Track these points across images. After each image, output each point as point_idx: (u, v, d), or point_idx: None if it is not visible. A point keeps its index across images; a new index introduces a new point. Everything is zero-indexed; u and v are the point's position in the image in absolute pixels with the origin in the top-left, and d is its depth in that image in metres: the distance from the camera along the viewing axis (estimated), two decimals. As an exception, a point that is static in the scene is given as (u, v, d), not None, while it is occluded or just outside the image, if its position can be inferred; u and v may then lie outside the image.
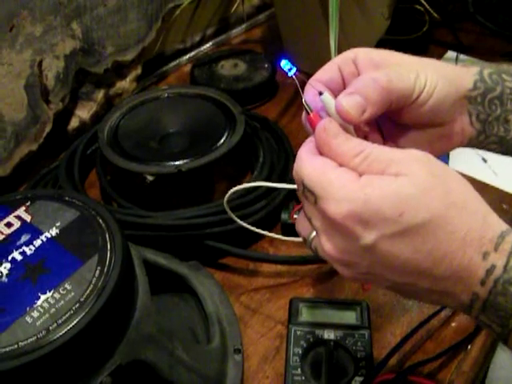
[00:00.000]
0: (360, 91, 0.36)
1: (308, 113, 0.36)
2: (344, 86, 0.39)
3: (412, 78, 0.37)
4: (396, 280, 0.33)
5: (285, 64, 0.38)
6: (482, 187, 0.69)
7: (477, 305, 0.32)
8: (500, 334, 0.32)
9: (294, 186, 0.36)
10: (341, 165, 0.33)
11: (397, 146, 0.41)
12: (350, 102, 0.35)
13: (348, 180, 0.32)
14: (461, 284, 0.32)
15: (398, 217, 0.31)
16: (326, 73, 0.40)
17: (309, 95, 0.37)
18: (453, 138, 0.42)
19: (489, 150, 0.44)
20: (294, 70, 0.38)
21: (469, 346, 0.52)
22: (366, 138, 0.38)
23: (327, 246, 0.34)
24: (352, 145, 0.33)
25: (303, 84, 0.38)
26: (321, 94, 0.36)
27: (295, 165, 0.35)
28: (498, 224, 0.32)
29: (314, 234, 0.35)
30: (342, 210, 0.31)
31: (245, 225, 0.53)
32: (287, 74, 0.38)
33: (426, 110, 0.38)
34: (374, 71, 0.37)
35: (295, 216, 0.62)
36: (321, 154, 0.35)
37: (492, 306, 0.31)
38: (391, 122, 0.41)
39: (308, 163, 0.34)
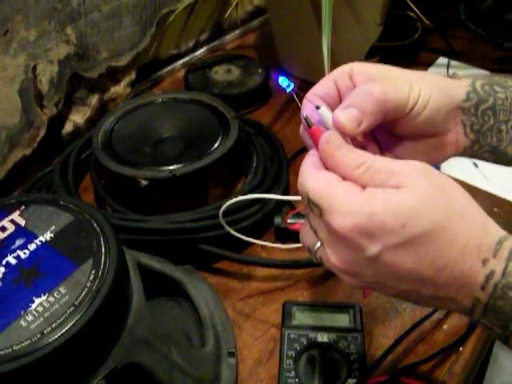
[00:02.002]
0: (356, 104, 0.37)
1: (309, 126, 0.37)
2: (340, 100, 0.40)
3: (406, 90, 0.38)
4: (400, 288, 0.34)
5: (282, 80, 0.39)
6: (473, 191, 0.69)
7: (478, 309, 0.33)
8: (501, 336, 0.33)
9: (290, 198, 0.37)
10: (344, 176, 0.34)
11: (394, 156, 0.43)
12: (346, 116, 0.36)
13: (352, 193, 0.33)
14: (462, 290, 0.33)
15: (401, 228, 0.32)
16: (322, 87, 0.40)
17: (306, 109, 0.38)
18: (447, 148, 0.43)
19: (481, 159, 0.45)
20: (292, 85, 0.39)
21: (460, 348, 0.53)
22: (363, 148, 0.39)
23: (333, 257, 0.35)
24: (355, 156, 0.35)
25: (300, 98, 0.39)
26: (318, 108, 0.37)
27: (300, 178, 0.36)
28: (495, 231, 0.33)
29: (319, 244, 0.36)
30: (347, 223, 0.32)
31: (237, 235, 0.54)
32: (285, 90, 0.39)
33: (421, 121, 0.39)
34: (369, 84, 0.38)
35: (289, 221, 0.62)
36: (324, 165, 0.36)
37: (492, 310, 0.32)
38: (388, 133, 0.42)
39: (312, 178, 0.35)
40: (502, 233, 0.33)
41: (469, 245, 0.32)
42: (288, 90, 0.39)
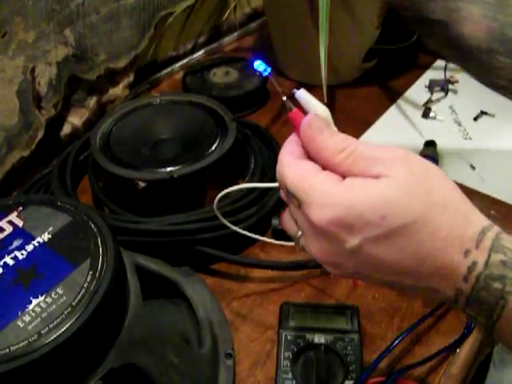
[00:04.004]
0: None
1: (290, 110, 0.36)
2: None
3: None
4: (382, 278, 0.34)
5: (258, 64, 0.38)
6: (470, 193, 0.69)
7: (461, 299, 0.33)
8: (485, 325, 0.33)
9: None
10: (326, 161, 0.34)
11: None
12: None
13: (331, 184, 0.33)
14: (444, 281, 0.32)
15: (380, 220, 0.31)
16: None
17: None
18: None
19: None
20: (269, 69, 0.38)
21: (457, 350, 0.53)
22: None
23: (314, 248, 0.35)
24: (337, 140, 0.34)
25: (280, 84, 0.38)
26: (297, 90, 0.36)
27: (278, 167, 0.36)
28: (479, 220, 0.33)
29: (300, 233, 0.36)
30: (326, 215, 0.32)
31: (235, 228, 0.54)
32: (262, 74, 0.38)
33: None
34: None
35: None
36: (306, 150, 0.35)
37: (476, 300, 0.32)
38: None
39: (290, 168, 0.35)
40: (485, 222, 0.33)
41: (450, 236, 0.32)
42: (265, 74, 0.38)
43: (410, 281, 0.33)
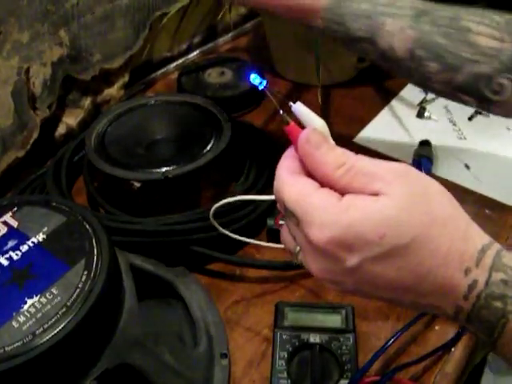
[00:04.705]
0: None
1: (287, 123, 0.36)
2: None
3: None
4: (383, 296, 0.34)
5: (254, 78, 0.37)
6: (465, 193, 0.70)
7: (462, 317, 0.33)
8: (487, 342, 0.33)
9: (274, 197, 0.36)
10: (324, 177, 0.33)
11: None
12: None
13: (329, 203, 0.32)
14: (444, 298, 0.32)
15: (380, 239, 0.31)
16: None
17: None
18: None
19: None
20: (265, 83, 0.37)
21: (452, 349, 0.53)
22: None
23: (313, 266, 0.34)
24: (336, 155, 0.34)
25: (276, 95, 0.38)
26: (293, 103, 0.36)
27: (275, 184, 0.35)
28: (479, 237, 0.33)
29: (299, 248, 0.36)
30: (325, 235, 0.32)
31: (230, 234, 0.54)
32: (258, 88, 0.37)
33: None
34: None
35: (280, 222, 0.62)
36: (304, 165, 0.35)
37: (477, 319, 0.32)
38: None
39: (288, 184, 0.34)
40: (485, 240, 0.33)
41: (450, 254, 0.31)
42: (260, 88, 0.37)
43: (409, 298, 0.33)
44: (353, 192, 0.33)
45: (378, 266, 0.32)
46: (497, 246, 0.33)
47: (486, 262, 0.32)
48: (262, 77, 0.37)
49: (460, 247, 0.32)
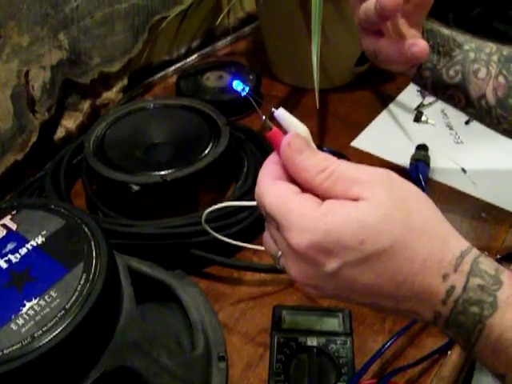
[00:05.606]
0: None
1: (270, 129, 0.36)
2: None
3: None
4: (362, 300, 0.34)
5: (237, 84, 0.38)
6: (461, 197, 0.71)
7: (440, 322, 0.33)
8: (464, 347, 0.34)
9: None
10: (305, 181, 0.34)
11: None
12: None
13: (309, 208, 0.33)
14: (423, 304, 0.33)
15: (359, 245, 0.31)
16: None
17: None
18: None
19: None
20: (247, 89, 0.38)
21: (449, 352, 0.53)
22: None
23: (293, 270, 0.35)
24: (317, 160, 0.34)
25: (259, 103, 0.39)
26: (275, 109, 0.36)
27: (256, 189, 0.35)
28: (457, 244, 0.33)
29: (281, 253, 0.36)
30: (304, 240, 0.32)
31: (224, 239, 0.54)
32: (241, 94, 0.38)
33: None
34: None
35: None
36: (286, 170, 0.35)
37: (454, 324, 0.32)
38: None
39: (269, 190, 0.34)
40: (464, 246, 0.33)
41: (429, 260, 0.32)
42: (243, 94, 0.38)
43: (388, 303, 0.34)
44: (334, 197, 0.33)
45: (356, 270, 0.32)
46: (475, 252, 0.33)
47: (463, 268, 0.32)
48: (245, 83, 0.38)
49: (438, 254, 0.32)
